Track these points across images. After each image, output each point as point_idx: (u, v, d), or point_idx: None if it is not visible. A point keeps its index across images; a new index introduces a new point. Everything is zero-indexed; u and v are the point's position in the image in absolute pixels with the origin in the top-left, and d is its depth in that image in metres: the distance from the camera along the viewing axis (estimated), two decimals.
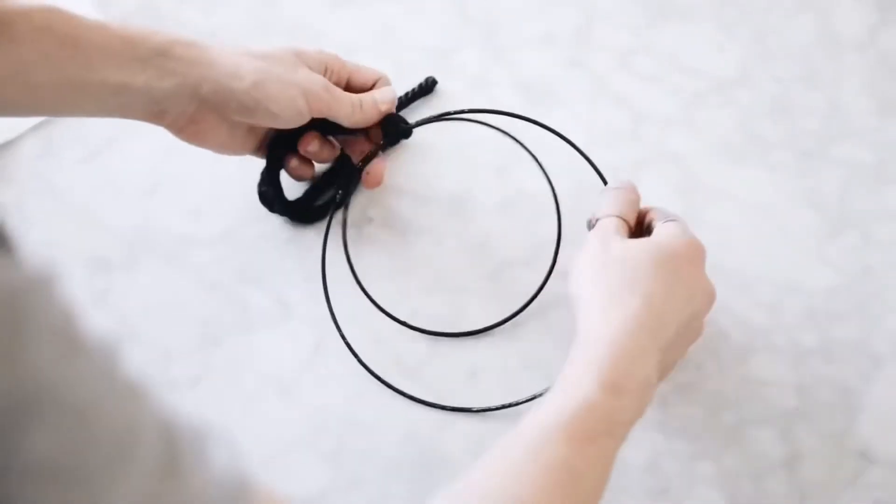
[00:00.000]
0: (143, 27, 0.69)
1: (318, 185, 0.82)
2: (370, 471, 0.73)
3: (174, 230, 0.82)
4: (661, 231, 0.67)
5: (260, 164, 0.80)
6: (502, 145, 0.84)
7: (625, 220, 0.69)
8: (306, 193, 0.82)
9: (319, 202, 0.82)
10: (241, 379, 0.76)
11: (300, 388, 0.76)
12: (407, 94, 0.85)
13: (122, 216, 0.82)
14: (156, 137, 0.83)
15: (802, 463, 0.72)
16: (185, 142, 0.74)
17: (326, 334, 0.77)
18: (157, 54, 0.68)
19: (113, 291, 0.79)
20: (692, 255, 0.66)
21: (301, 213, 0.81)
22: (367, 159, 0.78)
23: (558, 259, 0.79)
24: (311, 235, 0.81)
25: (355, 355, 0.76)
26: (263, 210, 0.81)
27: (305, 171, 0.79)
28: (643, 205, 0.72)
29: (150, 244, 0.81)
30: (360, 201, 0.82)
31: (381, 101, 0.77)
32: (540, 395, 0.73)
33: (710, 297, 0.66)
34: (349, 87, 0.77)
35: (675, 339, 0.63)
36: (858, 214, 0.80)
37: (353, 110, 0.75)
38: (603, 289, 0.63)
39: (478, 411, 0.74)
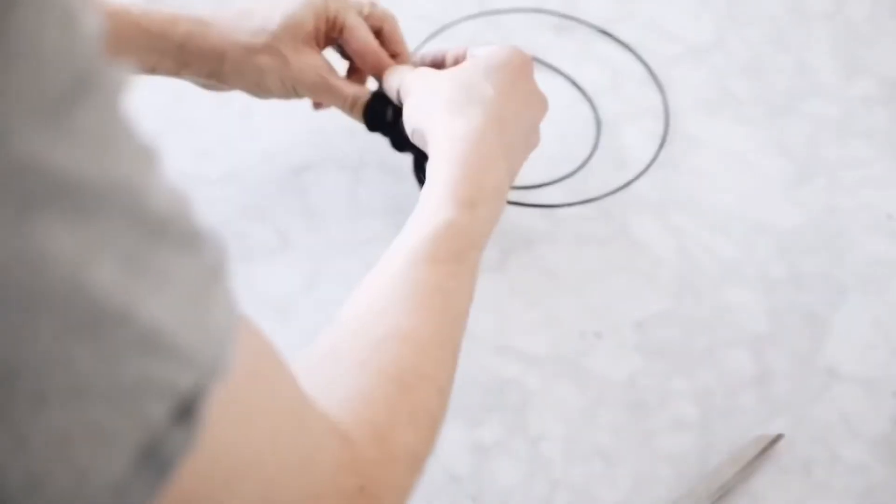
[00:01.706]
0: (164, 18, 0.73)
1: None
2: None
3: (182, 170, 0.86)
4: (481, 51, 0.70)
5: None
6: None
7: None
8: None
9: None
10: (241, 302, 0.80)
11: (297, 312, 0.80)
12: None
13: None
14: (164, 86, 0.89)
15: (772, 380, 0.76)
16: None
17: (323, 264, 0.82)
18: (178, 48, 0.74)
19: None
20: (518, 62, 0.69)
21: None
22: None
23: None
24: (312, 176, 0.86)
25: None
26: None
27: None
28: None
29: None
30: (356, 143, 0.87)
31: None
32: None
33: (543, 102, 0.70)
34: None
35: (519, 143, 0.66)
36: (825, 162, 0.86)
37: (347, 105, 0.77)
38: (442, 108, 0.65)
39: None
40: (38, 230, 0.30)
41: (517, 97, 0.67)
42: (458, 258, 0.57)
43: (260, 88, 0.77)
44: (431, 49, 0.76)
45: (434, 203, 0.60)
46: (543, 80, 0.90)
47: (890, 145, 0.86)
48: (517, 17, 0.94)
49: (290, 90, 0.77)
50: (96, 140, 0.32)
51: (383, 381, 0.51)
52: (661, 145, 0.86)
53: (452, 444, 0.74)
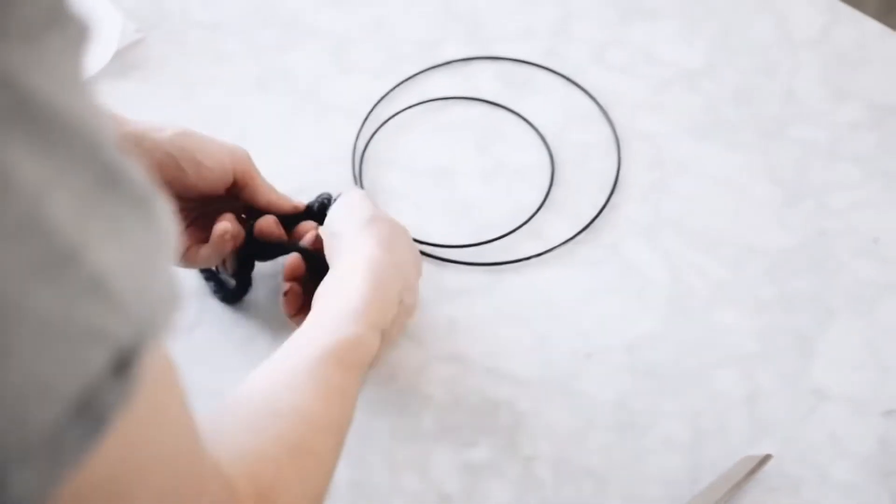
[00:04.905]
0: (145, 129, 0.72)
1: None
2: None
3: None
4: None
5: None
6: (481, 126, 0.91)
7: None
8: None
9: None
10: (236, 325, 0.81)
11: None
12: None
13: None
14: (163, 111, 0.90)
15: (761, 400, 0.77)
16: None
17: None
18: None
19: None
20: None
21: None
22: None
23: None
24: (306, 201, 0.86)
25: None
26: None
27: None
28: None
29: None
30: (349, 170, 0.88)
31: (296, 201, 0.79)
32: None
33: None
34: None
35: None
36: (813, 186, 0.86)
37: (270, 189, 0.78)
38: (363, 229, 0.70)
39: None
40: (6, 150, 0.29)
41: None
42: (356, 367, 0.63)
43: (185, 147, 0.75)
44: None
45: (346, 316, 0.64)
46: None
47: (877, 169, 0.87)
48: (507, 48, 0.96)
49: (220, 150, 0.76)
50: (64, 72, 0.31)
51: (276, 447, 0.54)
52: (618, 171, 0.88)
53: (443, 465, 0.74)
